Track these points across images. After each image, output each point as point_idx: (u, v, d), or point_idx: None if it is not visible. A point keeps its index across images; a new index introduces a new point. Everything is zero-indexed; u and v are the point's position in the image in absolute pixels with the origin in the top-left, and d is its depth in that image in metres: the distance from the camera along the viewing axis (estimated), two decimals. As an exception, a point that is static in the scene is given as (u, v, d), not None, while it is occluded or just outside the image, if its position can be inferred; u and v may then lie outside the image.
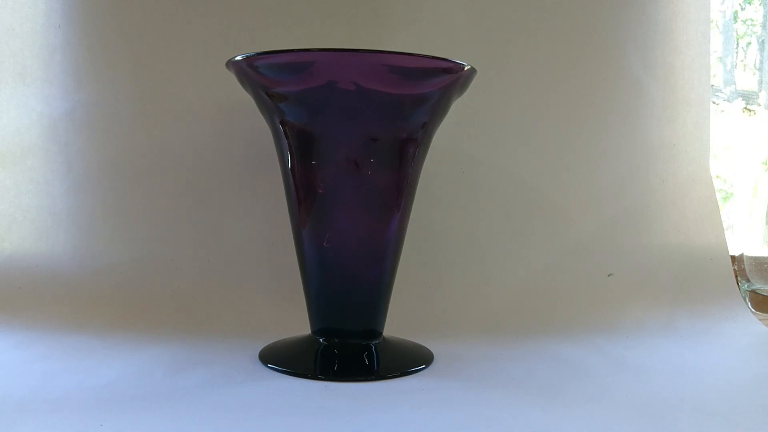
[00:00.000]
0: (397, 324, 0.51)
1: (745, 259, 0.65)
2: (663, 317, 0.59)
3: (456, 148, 0.61)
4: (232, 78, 0.45)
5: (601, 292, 0.61)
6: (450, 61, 0.42)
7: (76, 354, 0.46)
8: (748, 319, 0.60)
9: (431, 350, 0.49)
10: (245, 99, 0.47)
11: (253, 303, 0.57)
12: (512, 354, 0.50)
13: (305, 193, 0.45)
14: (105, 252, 0.57)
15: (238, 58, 0.42)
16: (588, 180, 0.63)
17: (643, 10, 0.65)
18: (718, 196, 0.67)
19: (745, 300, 0.63)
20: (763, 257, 0.64)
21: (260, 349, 0.48)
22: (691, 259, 0.64)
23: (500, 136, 0.62)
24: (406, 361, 0.46)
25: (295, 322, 0.50)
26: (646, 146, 0.65)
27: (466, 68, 0.43)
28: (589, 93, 0.64)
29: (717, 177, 0.83)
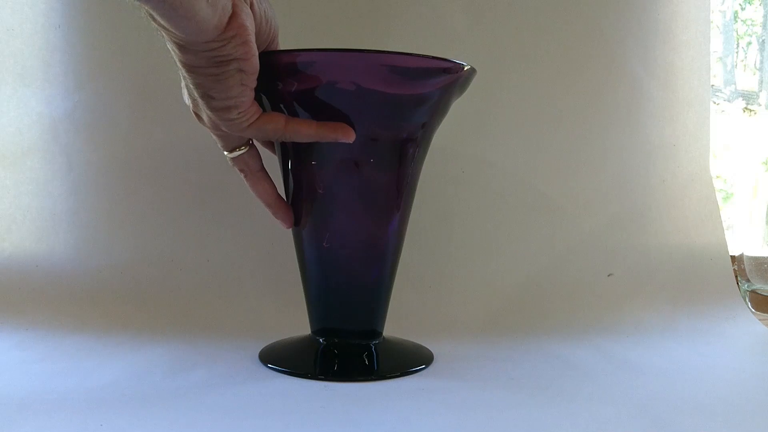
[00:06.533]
0: (397, 324, 0.51)
1: (745, 259, 0.65)
2: (663, 317, 0.59)
3: (456, 148, 0.61)
4: (232, 78, 0.45)
5: (601, 292, 0.61)
6: (450, 61, 0.42)
7: (75, 354, 0.46)
8: (748, 319, 0.60)
9: (431, 350, 0.49)
10: (245, 99, 0.47)
11: (253, 303, 0.57)
12: (512, 354, 0.50)
13: (305, 193, 0.45)
14: (105, 252, 0.57)
15: (238, 58, 0.42)
16: (588, 180, 0.63)
17: (643, 10, 0.65)
18: (718, 196, 0.67)
19: (745, 300, 0.63)
20: (763, 257, 0.64)
21: (260, 349, 0.48)
22: (691, 259, 0.64)
23: (500, 136, 0.62)
24: (406, 361, 0.46)
25: (295, 322, 0.50)
26: (646, 146, 0.65)
27: (466, 68, 0.43)
28: (589, 93, 0.64)
29: (717, 177, 0.83)
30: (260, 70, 0.42)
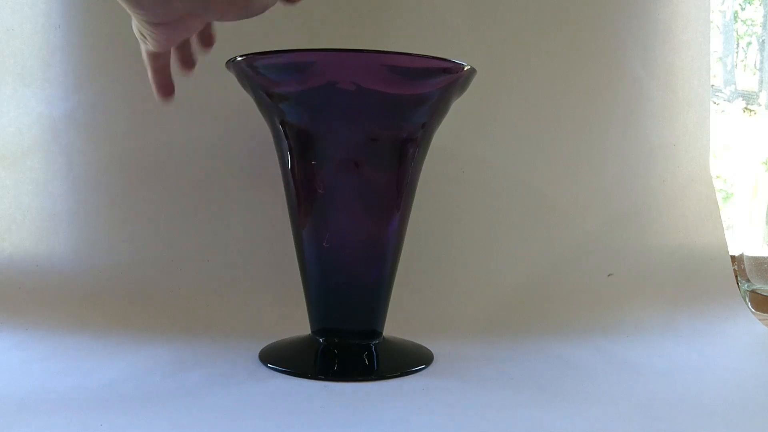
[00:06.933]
0: (397, 324, 0.51)
1: (745, 259, 0.65)
2: (663, 317, 0.59)
3: (456, 148, 0.61)
4: (232, 78, 0.45)
5: (601, 292, 0.61)
6: (450, 61, 0.42)
7: (76, 354, 0.46)
8: (748, 319, 0.60)
9: (431, 350, 0.49)
10: (245, 99, 0.47)
11: (253, 303, 0.57)
12: (512, 354, 0.50)
13: (305, 193, 0.45)
14: (105, 252, 0.57)
15: (238, 58, 0.42)
16: (588, 180, 0.63)
17: (643, 10, 0.65)
18: (718, 196, 0.67)
19: (745, 300, 0.63)
20: (763, 257, 0.64)
21: (260, 349, 0.48)
22: (691, 259, 0.64)
23: (500, 136, 0.62)
24: (406, 361, 0.46)
25: (295, 322, 0.50)
26: (646, 146, 0.65)
27: (466, 68, 0.43)
28: (589, 93, 0.64)
29: (717, 177, 0.83)
30: (260, 70, 0.42)
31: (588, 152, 0.64)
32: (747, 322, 0.59)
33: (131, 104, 0.58)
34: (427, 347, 0.50)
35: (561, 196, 0.63)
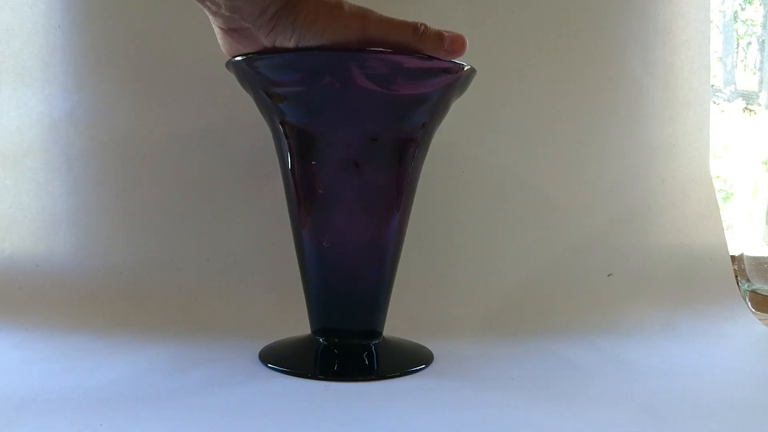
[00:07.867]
0: (397, 324, 0.51)
1: (745, 259, 0.65)
2: (663, 317, 0.59)
3: (456, 148, 0.61)
4: (232, 78, 0.45)
5: (601, 292, 0.61)
6: (450, 61, 0.42)
7: (76, 354, 0.46)
8: (748, 319, 0.60)
9: (431, 350, 0.49)
10: (245, 99, 0.47)
11: (253, 303, 0.57)
12: (512, 354, 0.50)
13: (305, 193, 0.45)
14: (105, 252, 0.57)
15: (238, 58, 0.42)
16: (588, 180, 0.63)
17: (643, 10, 0.65)
18: (718, 196, 0.67)
19: (745, 300, 0.63)
20: (763, 257, 0.64)
21: (260, 349, 0.48)
22: (691, 259, 0.64)
23: (500, 137, 0.62)
24: (406, 361, 0.46)
25: (295, 322, 0.50)
26: (646, 146, 0.65)
27: (466, 68, 0.43)
28: (589, 93, 0.64)
29: (717, 177, 0.83)
30: (260, 70, 0.42)
31: (588, 152, 0.64)
32: (747, 322, 0.59)
33: (131, 104, 0.58)
34: (427, 347, 0.50)
35: (561, 196, 0.63)
